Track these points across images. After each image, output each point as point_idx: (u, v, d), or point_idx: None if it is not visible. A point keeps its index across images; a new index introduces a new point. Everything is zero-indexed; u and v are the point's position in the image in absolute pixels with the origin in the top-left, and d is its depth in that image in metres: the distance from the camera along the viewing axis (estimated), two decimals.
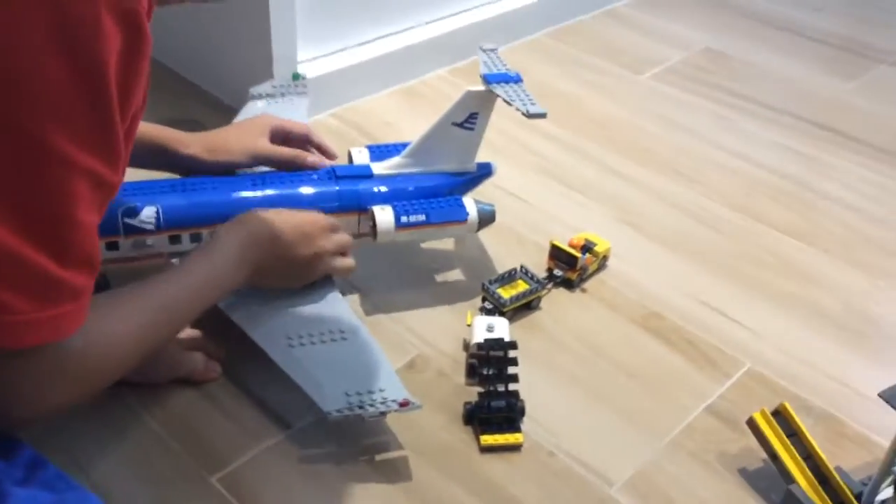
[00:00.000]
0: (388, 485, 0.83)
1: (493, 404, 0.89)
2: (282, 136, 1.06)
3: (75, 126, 0.59)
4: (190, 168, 1.00)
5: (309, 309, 0.93)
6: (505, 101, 0.98)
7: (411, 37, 1.52)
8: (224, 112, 1.23)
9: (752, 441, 0.86)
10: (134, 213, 0.90)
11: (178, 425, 0.87)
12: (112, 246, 0.90)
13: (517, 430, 0.88)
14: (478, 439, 0.88)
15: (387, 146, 1.11)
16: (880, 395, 0.74)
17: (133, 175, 0.72)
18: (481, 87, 1.02)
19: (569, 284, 1.08)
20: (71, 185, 0.61)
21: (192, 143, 1.00)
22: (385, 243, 1.00)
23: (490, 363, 0.90)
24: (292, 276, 0.93)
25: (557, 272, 1.08)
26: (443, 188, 1.06)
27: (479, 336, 0.94)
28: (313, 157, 1.05)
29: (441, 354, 0.98)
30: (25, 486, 0.65)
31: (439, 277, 1.10)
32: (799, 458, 0.82)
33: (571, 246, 1.08)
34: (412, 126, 1.32)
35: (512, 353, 0.89)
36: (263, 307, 0.91)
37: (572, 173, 1.32)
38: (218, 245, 0.85)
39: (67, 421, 0.83)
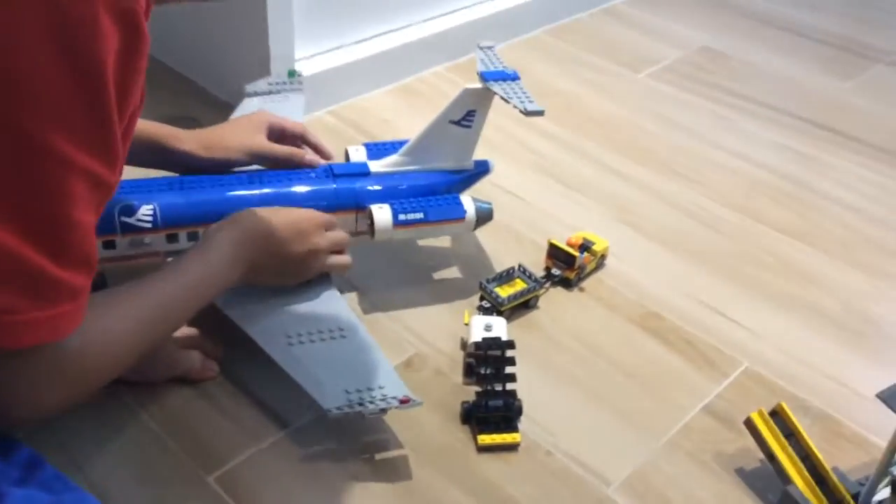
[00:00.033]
0: (385, 484, 0.83)
1: (490, 404, 0.89)
2: (278, 134, 1.06)
3: (73, 126, 0.59)
4: (186, 165, 1.00)
5: (307, 307, 0.93)
6: (502, 98, 0.98)
7: (409, 34, 1.52)
8: (221, 109, 1.23)
9: (750, 441, 0.86)
10: (131, 211, 0.90)
11: (176, 424, 0.87)
12: (109, 245, 0.90)
13: (514, 429, 0.88)
14: (475, 439, 0.88)
15: (384, 144, 1.11)
16: (878, 396, 0.73)
17: (130, 173, 0.71)
18: (479, 85, 1.02)
19: (567, 283, 1.08)
20: (68, 185, 0.60)
21: (189, 140, 1.00)
22: (382, 241, 1.00)
23: (488, 362, 0.89)
24: (288, 273, 0.93)
25: (555, 271, 1.08)
26: (440, 186, 1.06)
27: (477, 335, 0.94)
28: (311, 156, 1.05)
29: (438, 353, 0.98)
30: (23, 487, 0.64)
31: (437, 276, 1.10)
32: (796, 458, 0.82)
33: (569, 245, 1.08)
34: (410, 124, 1.32)
35: (509, 353, 0.89)
36: (262, 305, 0.91)
37: (570, 172, 1.31)
38: (213, 243, 0.85)
39: (64, 420, 0.83)
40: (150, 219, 0.91)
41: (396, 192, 1.02)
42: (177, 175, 1.00)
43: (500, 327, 0.95)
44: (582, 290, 1.09)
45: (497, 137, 1.33)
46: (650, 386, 0.96)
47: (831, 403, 0.96)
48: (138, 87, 0.64)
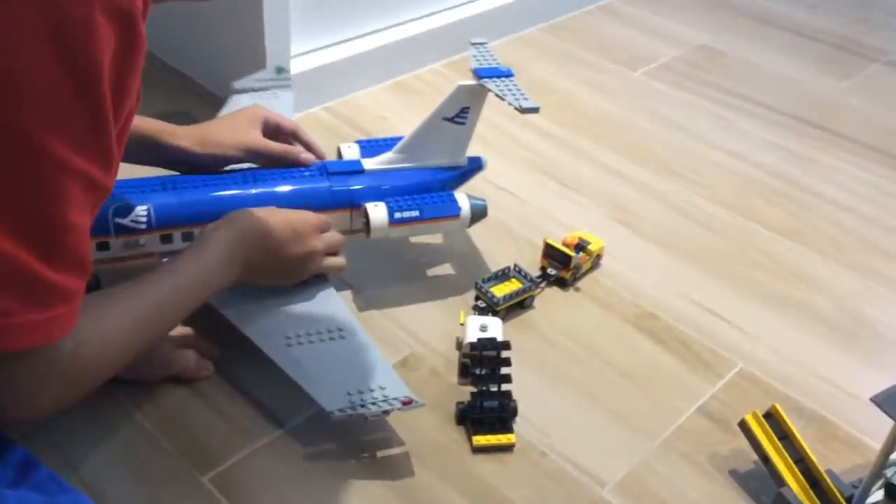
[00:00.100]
0: (380, 484, 0.83)
1: (485, 404, 0.89)
2: (273, 130, 1.05)
3: (68, 128, 0.59)
4: (181, 161, 0.99)
5: (306, 307, 0.93)
6: (497, 95, 0.98)
7: (405, 31, 1.52)
8: (217, 105, 1.22)
9: (744, 442, 0.86)
10: (125, 212, 0.90)
11: (171, 424, 0.87)
12: (103, 246, 0.89)
13: (509, 430, 0.88)
14: (470, 439, 0.88)
15: (377, 141, 1.11)
16: (872, 400, 0.73)
17: (124, 170, 0.71)
18: (473, 82, 1.02)
19: (562, 283, 1.08)
20: (63, 187, 0.60)
21: (183, 136, 0.99)
22: (377, 239, 1.00)
23: (483, 363, 0.89)
24: (283, 274, 0.92)
25: (551, 271, 1.08)
26: (434, 183, 1.05)
27: (473, 336, 0.94)
28: (306, 154, 1.04)
29: (434, 353, 0.98)
30: (17, 488, 0.64)
31: (432, 274, 1.10)
32: (790, 461, 0.82)
33: (565, 245, 1.08)
34: (405, 120, 1.32)
35: (505, 354, 0.89)
36: (259, 306, 0.91)
37: (566, 170, 1.31)
38: (208, 243, 0.85)
39: (59, 420, 0.82)
40: (144, 220, 0.90)
41: (391, 190, 1.02)
42: (170, 173, 1.00)
43: (495, 328, 0.95)
44: (577, 290, 1.09)
45: (492, 135, 1.33)
46: (645, 386, 0.97)
47: (825, 405, 0.96)
48: (134, 89, 0.63)
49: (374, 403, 0.82)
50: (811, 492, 0.81)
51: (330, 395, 0.83)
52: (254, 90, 1.22)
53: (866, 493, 0.79)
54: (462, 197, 1.03)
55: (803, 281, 1.14)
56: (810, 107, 1.54)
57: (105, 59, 0.58)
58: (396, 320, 1.02)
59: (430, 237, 1.14)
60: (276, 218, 0.89)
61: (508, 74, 1.01)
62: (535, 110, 0.96)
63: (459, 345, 0.98)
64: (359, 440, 0.87)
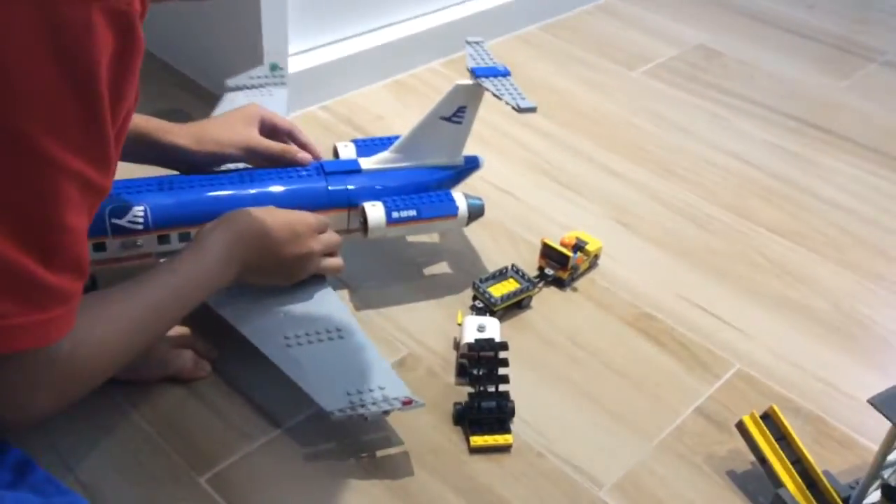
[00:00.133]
0: (377, 484, 0.83)
1: (483, 405, 0.89)
2: (269, 128, 1.05)
3: (66, 129, 0.58)
4: (177, 158, 0.99)
5: (304, 307, 0.92)
6: (494, 95, 0.98)
7: (403, 29, 1.52)
8: (214, 103, 1.22)
9: (741, 443, 0.86)
10: (121, 213, 0.89)
11: (167, 424, 0.87)
12: (99, 247, 0.89)
13: (507, 430, 0.88)
14: (467, 440, 0.88)
15: (373, 140, 1.11)
16: (870, 402, 0.73)
17: (120, 169, 0.70)
18: (470, 81, 1.01)
19: (560, 284, 1.08)
20: (60, 189, 0.60)
21: (180, 133, 0.98)
22: (375, 239, 1.00)
23: (480, 363, 0.89)
24: (280, 274, 0.92)
25: (549, 271, 1.08)
26: (431, 182, 1.05)
27: (470, 336, 0.93)
28: (303, 154, 1.04)
29: (431, 353, 0.98)
30: (13, 490, 0.64)
31: (429, 274, 1.09)
32: (787, 461, 0.82)
33: (563, 245, 1.08)
34: (403, 119, 1.32)
35: (502, 354, 0.89)
36: (258, 306, 0.91)
37: (564, 170, 1.31)
38: (206, 243, 0.85)
39: (55, 420, 0.81)
40: (141, 220, 0.90)
41: (388, 189, 1.02)
42: (167, 172, 1.00)
43: (493, 328, 0.95)
44: (575, 290, 1.09)
45: (490, 134, 1.33)
46: (642, 387, 0.97)
47: (822, 405, 0.96)
48: (132, 90, 0.63)
49: (373, 403, 0.82)
50: (808, 492, 0.81)
51: (329, 395, 0.83)
52: (248, 87, 1.22)
53: (863, 493, 0.79)
54: (459, 196, 1.03)
55: (801, 282, 1.14)
56: (808, 107, 1.54)
57: (102, 61, 0.58)
58: (394, 320, 1.02)
59: (428, 237, 1.14)
60: (275, 218, 0.89)
61: (505, 73, 1.01)
62: (532, 109, 0.95)
63: (457, 345, 0.98)
64: (356, 440, 0.87)
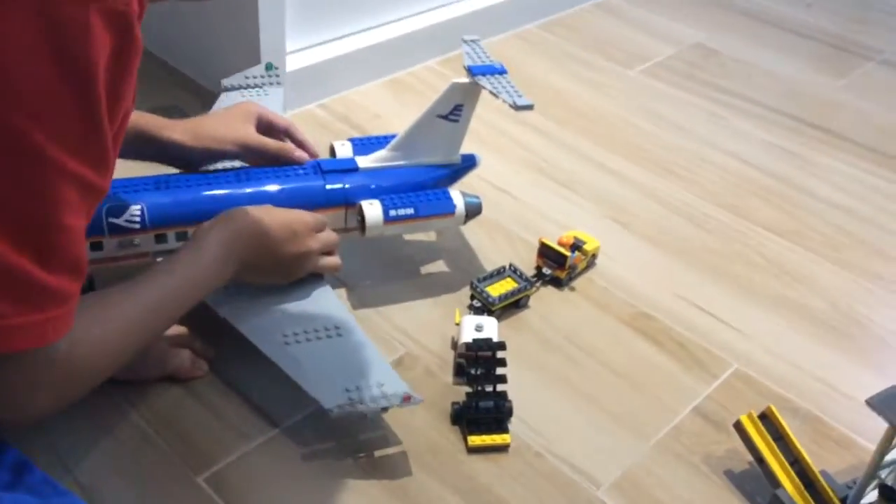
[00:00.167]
0: (374, 484, 0.83)
1: (480, 405, 0.88)
2: (266, 126, 1.04)
3: (64, 130, 0.58)
4: (174, 154, 0.99)
5: (302, 305, 0.92)
6: (491, 93, 0.98)
7: (401, 27, 1.52)
8: (211, 101, 1.22)
9: (739, 443, 0.86)
10: (118, 212, 0.89)
11: (165, 424, 0.86)
12: (96, 246, 0.88)
13: (505, 430, 0.88)
14: (465, 440, 0.88)
15: (370, 139, 1.11)
16: (868, 403, 0.74)
17: (118, 171, 0.70)
18: (467, 79, 1.01)
19: (558, 283, 1.08)
20: (58, 190, 0.60)
21: (177, 129, 0.98)
22: (372, 237, 1.00)
23: (478, 363, 0.89)
24: (278, 273, 0.92)
25: (546, 270, 1.08)
26: (428, 181, 1.05)
27: (468, 335, 0.93)
28: (300, 152, 1.04)
29: (429, 353, 0.98)
30: (11, 491, 0.64)
31: (427, 273, 1.09)
32: (785, 462, 0.83)
33: (561, 244, 1.08)
34: (401, 118, 1.32)
35: (500, 354, 0.89)
36: (256, 304, 0.91)
37: (561, 168, 1.31)
38: (203, 242, 0.84)
39: (53, 419, 0.81)
40: (138, 219, 0.90)
41: (385, 188, 1.02)
42: (164, 168, 0.99)
43: (491, 328, 0.95)
44: (573, 289, 1.09)
45: (487, 133, 1.33)
46: (640, 387, 0.97)
47: (819, 405, 0.96)
48: (130, 91, 0.63)
49: (372, 400, 0.82)
50: (806, 493, 0.81)
51: (328, 392, 0.83)
52: (243, 87, 1.21)
53: (861, 493, 0.79)
54: (456, 194, 1.03)
55: (799, 281, 1.14)
56: (807, 106, 1.54)
57: (101, 62, 0.58)
58: (391, 319, 1.02)
59: (425, 235, 1.13)
60: (272, 217, 0.89)
61: (502, 71, 1.01)
62: (529, 107, 0.95)
63: (455, 344, 0.97)
64: (354, 440, 0.87)
